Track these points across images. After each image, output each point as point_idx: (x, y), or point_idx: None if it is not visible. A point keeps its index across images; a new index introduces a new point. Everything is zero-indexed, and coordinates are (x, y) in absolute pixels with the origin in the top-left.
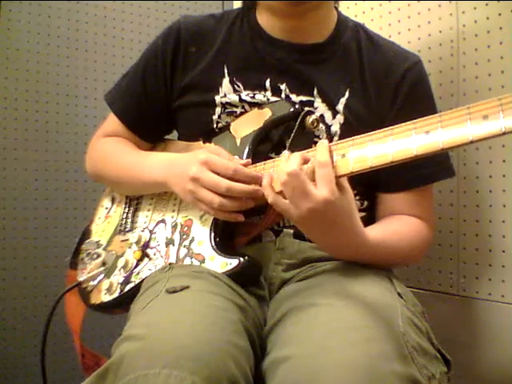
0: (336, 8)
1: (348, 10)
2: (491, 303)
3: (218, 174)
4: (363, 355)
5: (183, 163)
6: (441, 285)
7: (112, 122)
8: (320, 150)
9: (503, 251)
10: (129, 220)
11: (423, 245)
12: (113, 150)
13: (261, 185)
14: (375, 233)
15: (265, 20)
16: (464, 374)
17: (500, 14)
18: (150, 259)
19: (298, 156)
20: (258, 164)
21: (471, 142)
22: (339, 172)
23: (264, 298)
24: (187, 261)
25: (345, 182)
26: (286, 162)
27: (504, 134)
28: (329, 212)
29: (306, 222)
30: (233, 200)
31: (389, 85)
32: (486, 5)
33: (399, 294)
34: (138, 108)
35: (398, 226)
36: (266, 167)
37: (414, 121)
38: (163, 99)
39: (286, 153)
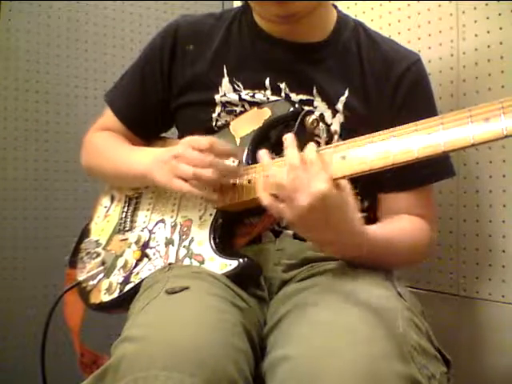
0: (335, 7)
1: (348, 9)
2: (491, 303)
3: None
4: (363, 355)
5: (166, 150)
6: (441, 285)
7: (109, 118)
8: (309, 149)
9: (503, 251)
10: (128, 219)
11: (426, 244)
12: (104, 144)
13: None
14: (377, 231)
15: (263, 20)
16: (464, 374)
17: (500, 14)
18: (150, 259)
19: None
20: (257, 164)
21: (473, 144)
22: (337, 174)
23: (264, 298)
24: (187, 261)
25: (342, 181)
26: (275, 168)
27: (506, 136)
28: (326, 208)
29: (302, 220)
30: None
31: (389, 83)
32: (486, 5)
33: (399, 294)
34: (138, 107)
35: (400, 225)
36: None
37: (416, 122)
38: (162, 98)
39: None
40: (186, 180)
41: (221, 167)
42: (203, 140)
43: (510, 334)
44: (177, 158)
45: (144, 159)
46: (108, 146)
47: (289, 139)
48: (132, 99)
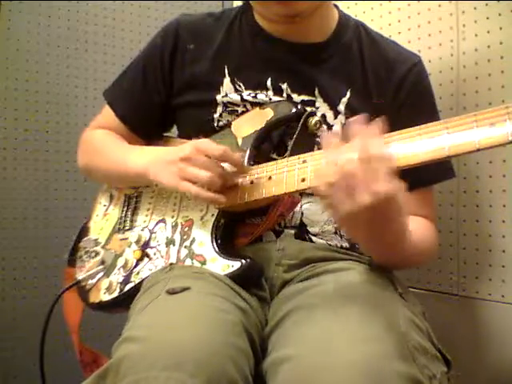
0: (336, 7)
1: (348, 9)
2: (491, 303)
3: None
4: (364, 355)
5: (171, 150)
6: (441, 285)
7: (107, 117)
8: (377, 144)
9: (503, 251)
10: (128, 218)
11: (435, 244)
12: (101, 143)
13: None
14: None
15: (264, 20)
16: (464, 374)
17: (500, 14)
18: (150, 259)
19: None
20: (260, 165)
21: (478, 149)
22: None
23: (265, 298)
24: (188, 262)
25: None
26: (348, 150)
27: (511, 142)
28: (385, 209)
29: (358, 217)
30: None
31: (390, 84)
32: (486, 5)
33: (400, 294)
34: (139, 107)
35: (415, 226)
36: (267, 169)
37: (420, 126)
38: (164, 97)
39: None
40: (193, 182)
41: (230, 175)
42: (214, 148)
43: (510, 334)
44: (185, 161)
45: (142, 158)
46: (105, 145)
47: (358, 127)
48: (134, 98)
